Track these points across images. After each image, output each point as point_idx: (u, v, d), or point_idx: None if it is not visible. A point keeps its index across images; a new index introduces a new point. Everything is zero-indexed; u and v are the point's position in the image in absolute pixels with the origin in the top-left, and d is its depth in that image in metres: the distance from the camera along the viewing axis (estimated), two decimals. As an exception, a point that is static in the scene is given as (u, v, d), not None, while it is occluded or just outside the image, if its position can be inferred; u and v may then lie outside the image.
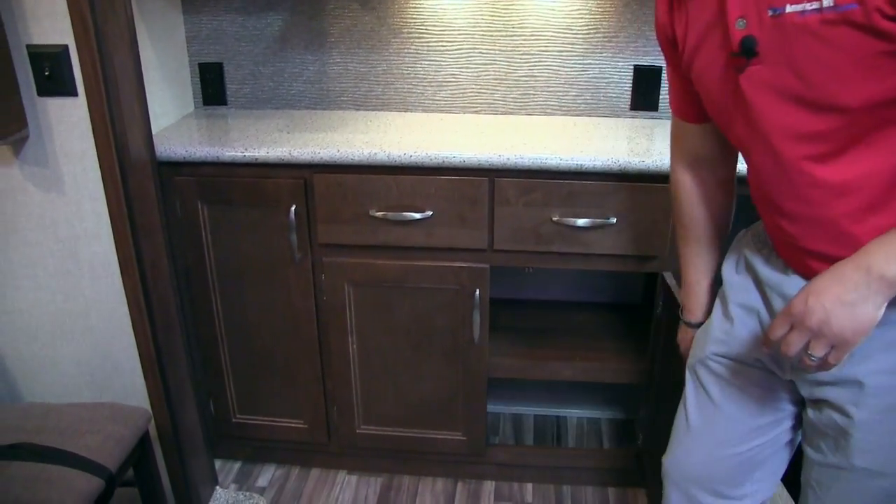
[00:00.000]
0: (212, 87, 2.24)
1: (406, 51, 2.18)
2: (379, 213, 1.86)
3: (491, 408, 2.50)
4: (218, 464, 2.28)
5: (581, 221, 1.81)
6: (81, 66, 1.54)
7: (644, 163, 1.75)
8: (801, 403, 1.21)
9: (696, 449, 1.32)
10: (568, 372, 2.07)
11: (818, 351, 0.95)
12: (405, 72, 2.20)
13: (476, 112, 2.22)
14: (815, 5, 0.86)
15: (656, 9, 1.17)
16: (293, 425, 2.20)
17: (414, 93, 2.21)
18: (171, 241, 1.88)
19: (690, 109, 1.22)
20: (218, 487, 2.20)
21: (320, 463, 2.31)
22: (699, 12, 1.05)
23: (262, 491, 2.22)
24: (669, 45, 1.17)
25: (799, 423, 1.26)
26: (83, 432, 1.62)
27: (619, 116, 2.19)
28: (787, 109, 0.96)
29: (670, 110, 1.28)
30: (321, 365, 2.09)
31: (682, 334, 1.44)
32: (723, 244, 1.34)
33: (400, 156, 1.80)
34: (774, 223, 1.11)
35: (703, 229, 1.33)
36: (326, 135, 1.96)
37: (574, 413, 2.50)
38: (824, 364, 0.97)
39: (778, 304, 1.13)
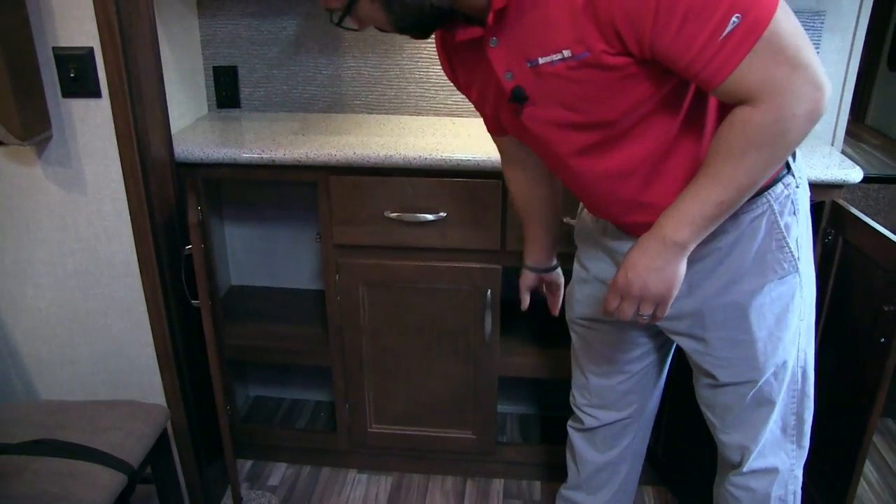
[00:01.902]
0: (226, 90, 2.26)
1: (419, 55, 2.20)
2: (394, 215, 1.89)
3: (499, 408, 2.53)
4: (230, 462, 2.31)
5: (593, 223, 1.85)
6: (106, 68, 1.57)
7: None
8: (661, 335, 1.56)
9: (590, 382, 1.69)
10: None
11: (647, 310, 1.23)
12: (418, 76, 2.23)
13: (486, 115, 2.25)
14: (559, 56, 1.10)
15: (442, 66, 1.40)
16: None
17: (426, 97, 2.24)
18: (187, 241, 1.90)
19: (496, 128, 1.47)
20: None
21: (331, 462, 2.33)
22: (470, 76, 1.32)
23: (273, 490, 2.24)
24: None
25: (663, 351, 1.65)
26: (105, 429, 1.64)
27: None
28: (565, 134, 1.22)
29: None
30: (335, 364, 2.12)
31: (523, 277, 1.71)
32: (552, 215, 1.62)
33: (415, 158, 1.83)
34: (596, 210, 1.40)
35: (534, 210, 1.61)
36: (341, 137, 1.99)
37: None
38: (655, 318, 1.24)
39: None
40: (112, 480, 1.52)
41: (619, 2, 1.02)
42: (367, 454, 2.29)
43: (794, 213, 1.30)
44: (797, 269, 1.32)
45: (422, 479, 2.29)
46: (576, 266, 1.61)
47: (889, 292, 1.53)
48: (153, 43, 1.67)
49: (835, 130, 2.16)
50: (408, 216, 1.89)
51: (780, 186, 1.28)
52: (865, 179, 2.88)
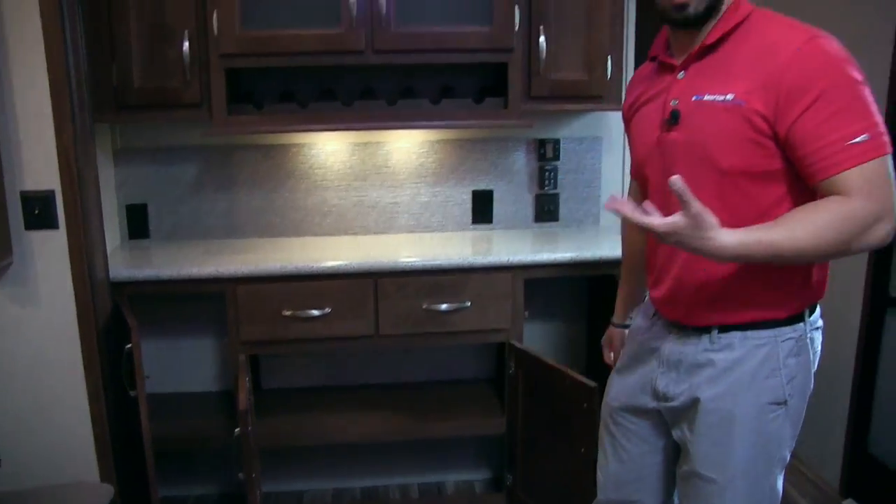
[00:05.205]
0: (137, 224, 2.72)
1: (298, 188, 2.76)
2: (289, 313, 2.38)
3: (376, 482, 2.96)
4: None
5: (444, 307, 2.41)
6: (65, 205, 2.01)
7: (486, 259, 2.40)
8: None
9: (614, 477, 1.73)
10: (444, 428, 2.60)
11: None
12: (297, 205, 2.78)
13: (354, 234, 2.81)
14: (722, 97, 1.35)
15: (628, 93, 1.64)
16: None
17: (305, 221, 2.79)
18: (121, 345, 2.30)
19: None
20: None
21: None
22: (644, 91, 1.55)
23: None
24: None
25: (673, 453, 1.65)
26: None
27: (463, 230, 2.85)
28: (689, 162, 1.40)
29: (630, 177, 1.77)
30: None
31: (608, 334, 1.92)
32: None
33: (305, 267, 2.36)
34: (653, 266, 1.58)
35: (636, 261, 1.79)
36: (241, 256, 2.49)
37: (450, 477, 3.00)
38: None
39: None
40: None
41: (795, 77, 1.26)
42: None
43: (796, 355, 1.45)
44: (786, 402, 1.45)
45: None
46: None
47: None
48: (96, 184, 2.14)
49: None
50: (300, 313, 2.38)
51: (788, 329, 1.45)
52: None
